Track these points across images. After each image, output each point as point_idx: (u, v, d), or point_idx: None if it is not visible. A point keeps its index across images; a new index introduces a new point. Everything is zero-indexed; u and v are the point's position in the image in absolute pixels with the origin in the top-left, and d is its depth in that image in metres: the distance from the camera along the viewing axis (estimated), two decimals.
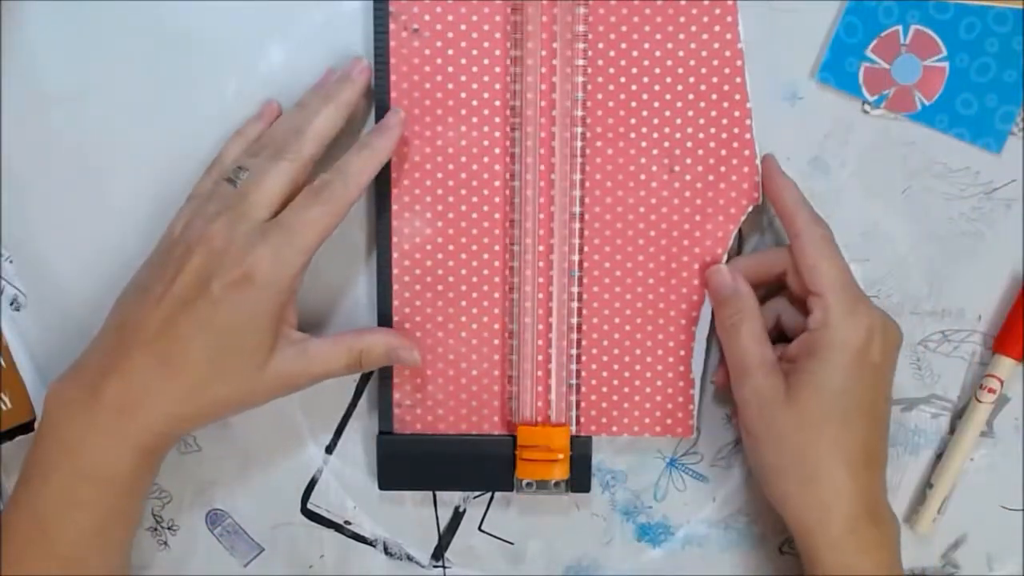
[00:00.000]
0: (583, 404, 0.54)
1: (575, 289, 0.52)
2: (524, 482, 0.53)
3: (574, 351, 0.53)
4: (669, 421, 0.54)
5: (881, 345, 0.49)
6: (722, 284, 0.51)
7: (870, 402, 0.49)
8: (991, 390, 0.54)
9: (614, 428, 0.54)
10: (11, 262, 0.53)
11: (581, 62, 0.51)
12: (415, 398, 0.53)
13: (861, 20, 0.51)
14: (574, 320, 0.52)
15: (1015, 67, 0.51)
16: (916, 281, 0.54)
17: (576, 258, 0.52)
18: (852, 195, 0.53)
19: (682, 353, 0.53)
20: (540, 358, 0.52)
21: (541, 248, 0.52)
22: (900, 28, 0.51)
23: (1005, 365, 0.53)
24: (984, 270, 0.54)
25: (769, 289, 0.53)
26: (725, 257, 0.52)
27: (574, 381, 0.53)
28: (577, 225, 0.52)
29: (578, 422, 0.53)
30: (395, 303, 0.52)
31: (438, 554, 0.56)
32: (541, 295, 0.52)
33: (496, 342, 0.53)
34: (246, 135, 0.51)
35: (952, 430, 0.55)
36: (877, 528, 0.49)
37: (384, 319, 0.53)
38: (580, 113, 0.51)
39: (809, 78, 0.52)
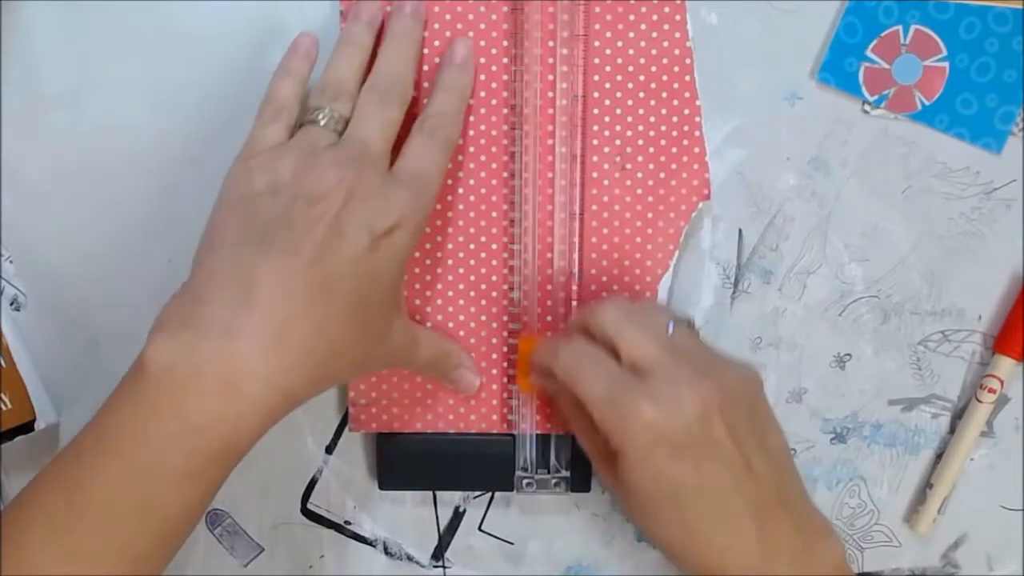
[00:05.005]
0: None
1: (574, 288, 0.52)
2: (524, 482, 0.53)
3: None
4: None
5: (721, 420, 0.44)
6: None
7: (727, 471, 0.44)
8: (991, 390, 0.54)
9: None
10: (11, 262, 0.53)
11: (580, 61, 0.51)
12: (370, 397, 0.53)
13: (861, 20, 0.51)
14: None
15: (1015, 67, 0.51)
16: (916, 281, 0.54)
17: (576, 257, 0.52)
18: (852, 195, 0.53)
19: None
20: None
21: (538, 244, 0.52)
22: (900, 28, 0.51)
23: (1005, 365, 0.53)
24: (984, 270, 0.54)
25: None
26: (677, 255, 0.52)
27: None
28: (577, 225, 0.52)
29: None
30: None
31: (438, 554, 0.56)
32: (540, 293, 0.52)
33: (495, 341, 0.53)
34: (295, 73, 0.48)
35: (952, 430, 0.55)
36: (793, 566, 0.45)
37: None
38: (580, 113, 0.51)
39: (809, 78, 0.52)
